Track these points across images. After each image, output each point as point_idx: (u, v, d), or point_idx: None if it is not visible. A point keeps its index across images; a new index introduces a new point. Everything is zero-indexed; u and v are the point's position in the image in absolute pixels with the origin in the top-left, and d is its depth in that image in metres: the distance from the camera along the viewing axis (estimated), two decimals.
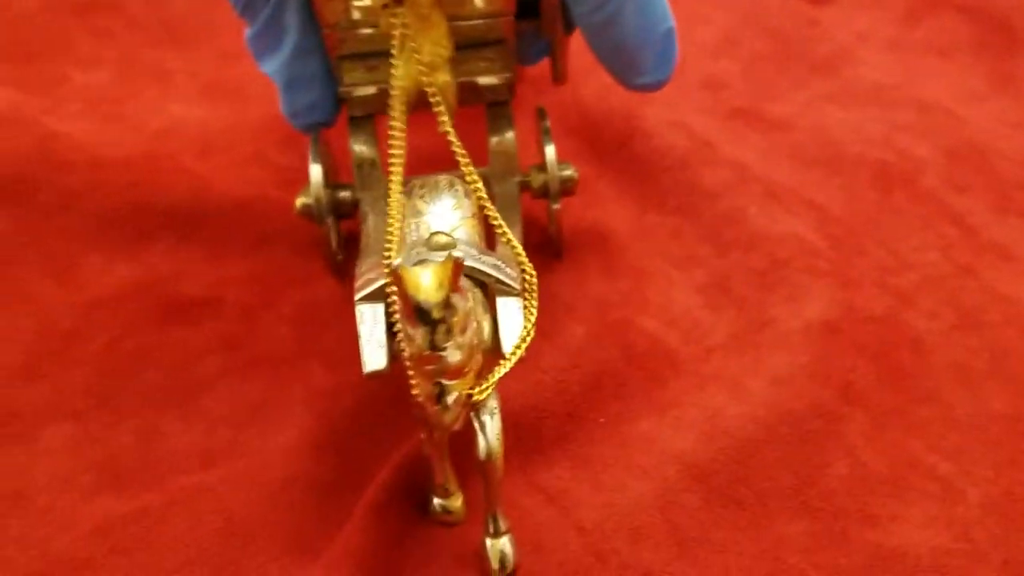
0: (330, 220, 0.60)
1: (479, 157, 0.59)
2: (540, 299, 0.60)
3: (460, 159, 0.51)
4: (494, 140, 0.60)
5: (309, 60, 0.56)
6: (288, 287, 0.63)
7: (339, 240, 0.62)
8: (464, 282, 0.44)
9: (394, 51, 0.52)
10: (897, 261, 0.63)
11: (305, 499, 0.51)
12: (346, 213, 0.61)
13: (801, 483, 0.52)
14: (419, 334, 0.38)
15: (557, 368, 0.56)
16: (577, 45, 0.73)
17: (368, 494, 0.49)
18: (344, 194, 0.60)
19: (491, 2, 0.55)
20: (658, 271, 0.63)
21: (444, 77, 0.55)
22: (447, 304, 0.38)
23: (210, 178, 0.70)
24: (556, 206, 0.60)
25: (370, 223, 0.56)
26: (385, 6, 0.53)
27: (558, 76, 0.64)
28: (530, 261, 0.49)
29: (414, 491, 0.51)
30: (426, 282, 0.38)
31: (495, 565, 0.47)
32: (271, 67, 0.57)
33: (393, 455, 0.52)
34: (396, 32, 0.52)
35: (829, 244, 0.64)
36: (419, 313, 0.38)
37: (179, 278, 0.64)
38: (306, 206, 0.59)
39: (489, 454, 0.45)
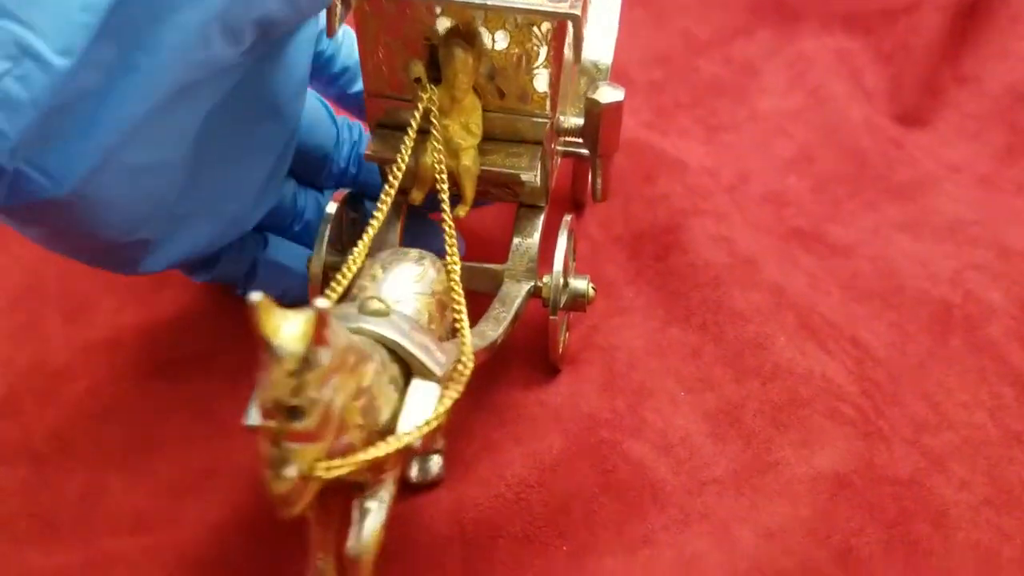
0: None
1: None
2: (525, 405, 0.56)
3: (447, 238, 0.48)
4: (516, 240, 0.58)
5: None
6: None
7: None
8: (381, 354, 0.40)
9: (413, 123, 0.51)
10: (937, 417, 0.56)
11: None
12: None
13: None
14: (267, 383, 0.33)
15: (522, 483, 0.51)
16: (624, 160, 0.70)
17: None
18: None
19: (534, 103, 0.53)
20: (664, 391, 0.58)
21: (465, 162, 0.53)
22: (305, 358, 0.33)
23: None
24: (553, 317, 0.56)
25: None
26: (417, 80, 0.52)
27: (597, 195, 0.62)
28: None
29: None
30: (287, 327, 0.33)
31: None
32: None
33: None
34: (420, 108, 0.51)
35: (861, 389, 0.58)
36: (271, 359, 0.33)
37: (180, 329, 0.63)
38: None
39: (358, 552, 0.39)
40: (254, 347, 0.60)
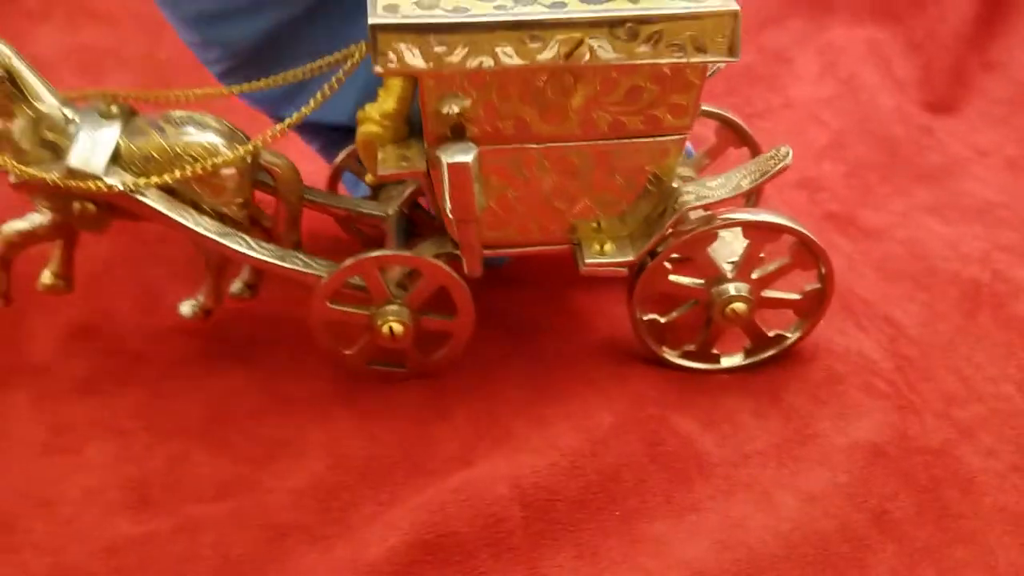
0: None
1: None
2: (573, 382, 0.60)
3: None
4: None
5: None
6: None
7: None
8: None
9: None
10: (966, 390, 0.59)
11: (298, 550, 0.51)
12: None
13: None
14: None
15: (576, 452, 0.55)
16: None
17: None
18: None
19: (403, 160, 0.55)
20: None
21: (365, 130, 0.56)
22: None
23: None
24: None
25: None
26: None
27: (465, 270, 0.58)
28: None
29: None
30: None
31: None
32: None
33: (394, 518, 0.52)
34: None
35: (895, 365, 0.61)
36: None
37: (244, 315, 0.67)
38: None
39: None
40: (310, 329, 0.65)
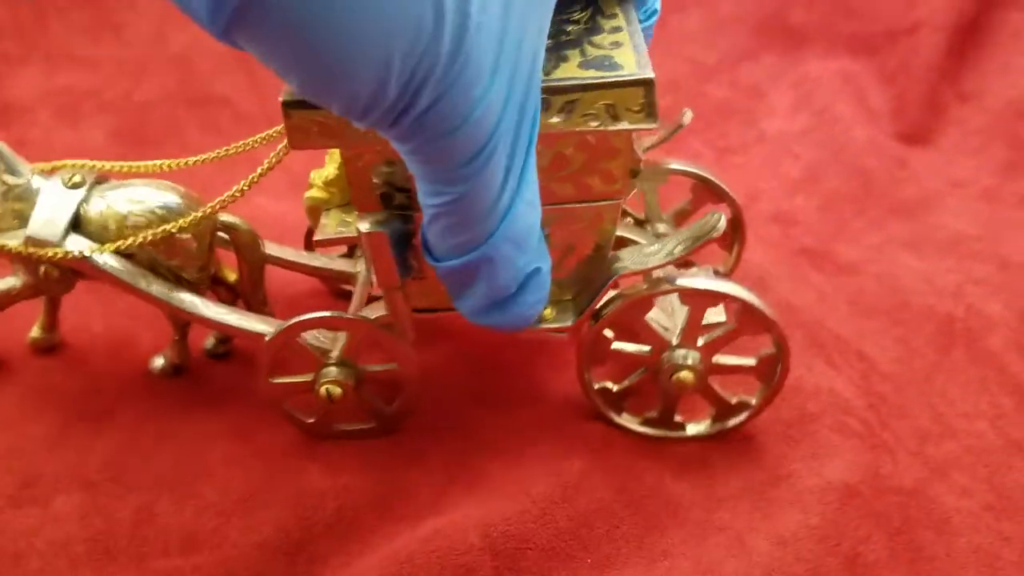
0: None
1: None
2: (549, 424, 0.59)
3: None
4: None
5: None
6: None
7: None
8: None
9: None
10: (940, 427, 0.59)
11: None
12: None
13: None
14: None
15: (547, 499, 0.54)
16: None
17: None
18: None
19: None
20: (679, 412, 0.60)
21: (310, 196, 0.58)
22: None
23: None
24: None
25: None
26: None
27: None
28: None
29: None
30: None
31: None
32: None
33: (363, 569, 0.51)
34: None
35: (868, 402, 0.60)
36: None
37: (218, 362, 0.67)
38: None
39: None
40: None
